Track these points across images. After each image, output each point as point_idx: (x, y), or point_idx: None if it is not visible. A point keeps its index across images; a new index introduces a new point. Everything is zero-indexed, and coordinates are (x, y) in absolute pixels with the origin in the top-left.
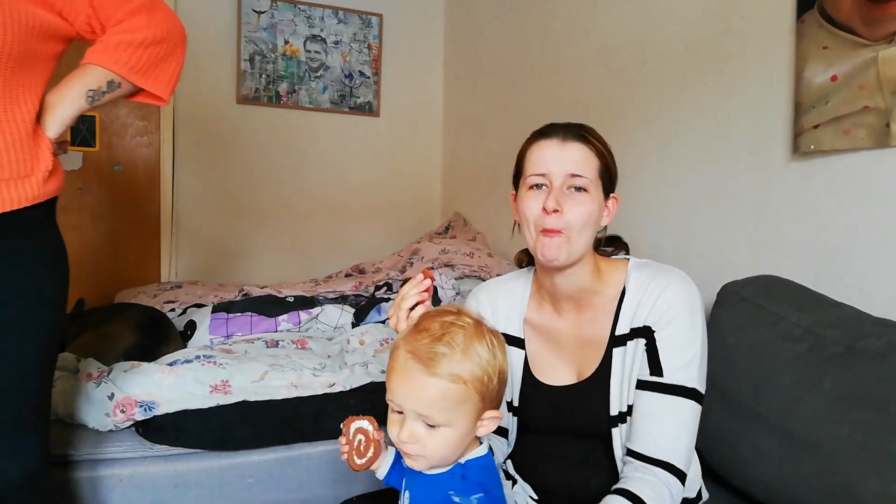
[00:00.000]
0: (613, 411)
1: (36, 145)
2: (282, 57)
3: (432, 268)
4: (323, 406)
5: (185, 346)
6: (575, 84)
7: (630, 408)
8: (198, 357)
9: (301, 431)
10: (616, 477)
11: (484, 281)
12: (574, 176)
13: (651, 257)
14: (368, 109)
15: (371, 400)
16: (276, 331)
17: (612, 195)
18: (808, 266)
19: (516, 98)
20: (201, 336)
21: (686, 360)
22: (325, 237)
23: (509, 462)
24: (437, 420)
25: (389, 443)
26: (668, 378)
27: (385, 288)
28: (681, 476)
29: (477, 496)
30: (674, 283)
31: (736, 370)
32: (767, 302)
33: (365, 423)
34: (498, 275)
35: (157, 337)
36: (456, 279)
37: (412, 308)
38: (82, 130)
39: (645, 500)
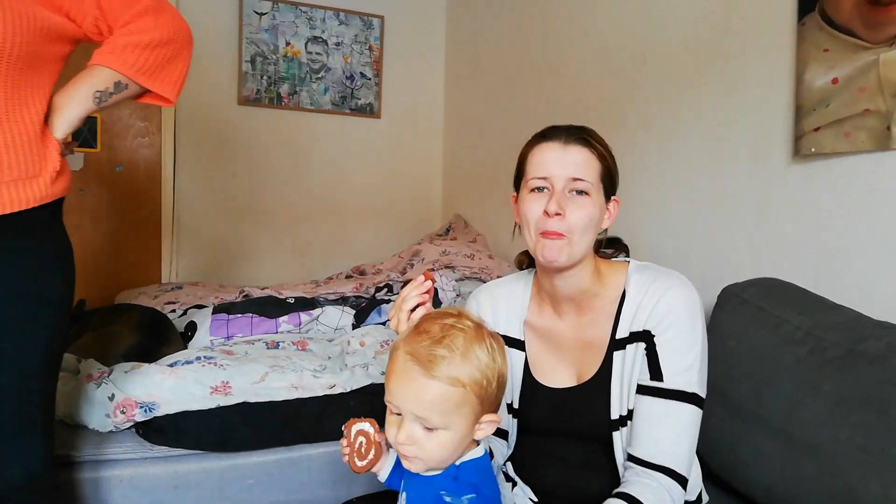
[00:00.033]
0: (614, 415)
1: (44, 146)
2: (283, 58)
3: (433, 269)
4: (323, 407)
5: (185, 347)
6: (575, 84)
7: (631, 412)
8: (198, 358)
9: (301, 433)
10: (616, 479)
11: (484, 283)
12: (576, 179)
13: (651, 258)
14: (369, 111)
15: (371, 401)
16: (277, 332)
17: (613, 198)
18: (809, 268)
19: (517, 99)
20: (202, 337)
21: (686, 364)
22: (325, 238)
23: (509, 464)
24: (435, 423)
25: (390, 445)
26: (668, 383)
27: (385, 289)
28: (682, 481)
29: (468, 496)
30: (674, 287)
31: (736, 373)
32: (768, 304)
33: (366, 426)
34: (498, 276)
35: (157, 338)
36: (456, 281)
37: (413, 309)
38: (83, 131)
39: None
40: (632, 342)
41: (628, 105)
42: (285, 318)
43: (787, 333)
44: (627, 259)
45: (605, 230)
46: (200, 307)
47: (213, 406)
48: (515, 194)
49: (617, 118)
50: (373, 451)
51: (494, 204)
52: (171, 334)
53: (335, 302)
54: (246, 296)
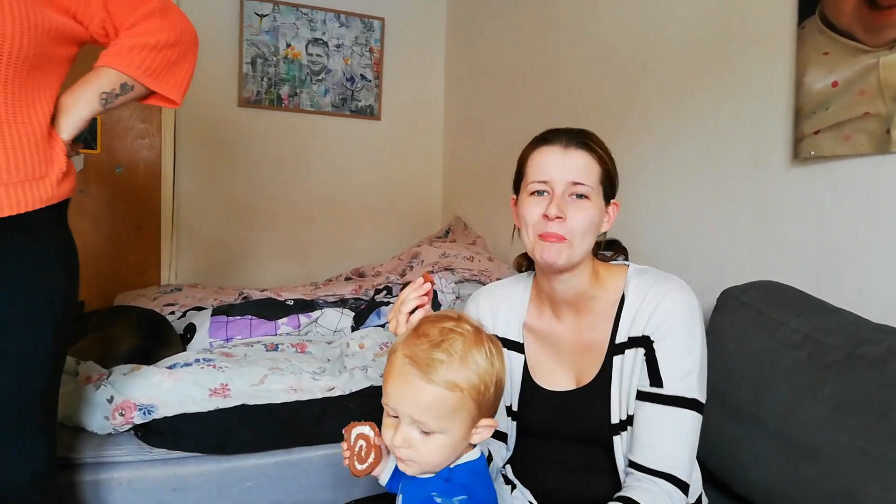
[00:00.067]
0: (615, 419)
1: (50, 147)
2: (283, 60)
3: (432, 271)
4: (322, 410)
5: (184, 349)
6: (575, 87)
7: (631, 416)
8: (197, 360)
9: (300, 435)
10: (617, 483)
11: (484, 285)
12: (576, 184)
13: (652, 260)
14: (370, 113)
15: (370, 404)
16: (276, 334)
17: (612, 201)
18: (809, 271)
19: (517, 101)
20: (201, 339)
21: (686, 370)
22: (325, 240)
23: (509, 467)
24: (432, 427)
25: None
26: (667, 389)
27: (385, 291)
28: (683, 487)
29: (459, 498)
30: (672, 292)
31: (736, 376)
32: (767, 308)
33: (366, 429)
34: (498, 279)
35: (156, 340)
36: (456, 283)
37: (412, 312)
38: (84, 132)
39: None
40: (631, 347)
41: (628, 106)
42: (284, 320)
43: (786, 336)
44: (626, 262)
45: (605, 234)
46: (200, 309)
47: (212, 408)
48: (515, 197)
49: (617, 119)
50: (373, 455)
51: (494, 206)
52: (171, 336)
53: (334, 304)
54: (245, 298)
